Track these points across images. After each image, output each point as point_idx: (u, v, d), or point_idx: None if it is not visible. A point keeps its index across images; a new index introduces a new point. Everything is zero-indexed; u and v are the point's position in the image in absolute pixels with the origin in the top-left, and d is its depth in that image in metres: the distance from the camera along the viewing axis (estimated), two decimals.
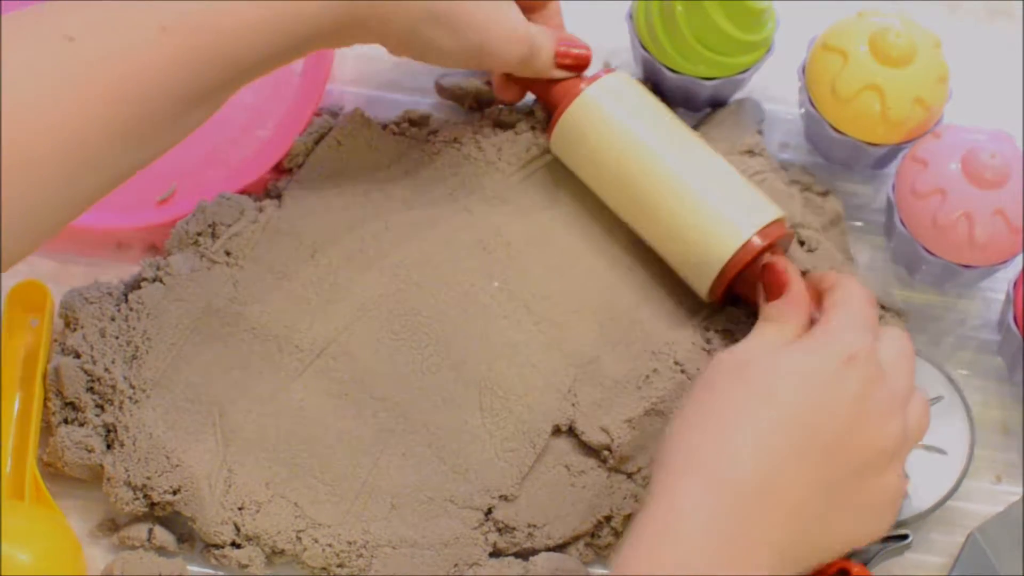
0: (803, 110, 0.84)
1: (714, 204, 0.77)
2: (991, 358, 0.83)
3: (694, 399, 0.69)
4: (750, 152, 0.84)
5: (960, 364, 0.83)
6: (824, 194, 0.85)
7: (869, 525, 0.69)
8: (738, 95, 0.87)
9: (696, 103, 0.86)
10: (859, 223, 0.86)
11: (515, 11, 0.78)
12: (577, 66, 0.81)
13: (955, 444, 0.79)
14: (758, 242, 0.76)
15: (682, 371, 0.78)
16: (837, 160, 0.85)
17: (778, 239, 0.77)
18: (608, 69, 0.82)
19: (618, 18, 0.85)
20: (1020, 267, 0.80)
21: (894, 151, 0.83)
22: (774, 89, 0.87)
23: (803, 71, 0.83)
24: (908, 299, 0.84)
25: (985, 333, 0.84)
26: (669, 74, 0.83)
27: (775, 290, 0.73)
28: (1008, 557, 0.76)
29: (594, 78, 0.81)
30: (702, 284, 0.78)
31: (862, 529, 0.69)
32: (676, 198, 0.78)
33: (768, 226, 0.77)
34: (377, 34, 0.73)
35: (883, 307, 0.82)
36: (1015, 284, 0.79)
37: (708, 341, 0.79)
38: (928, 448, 0.79)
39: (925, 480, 0.78)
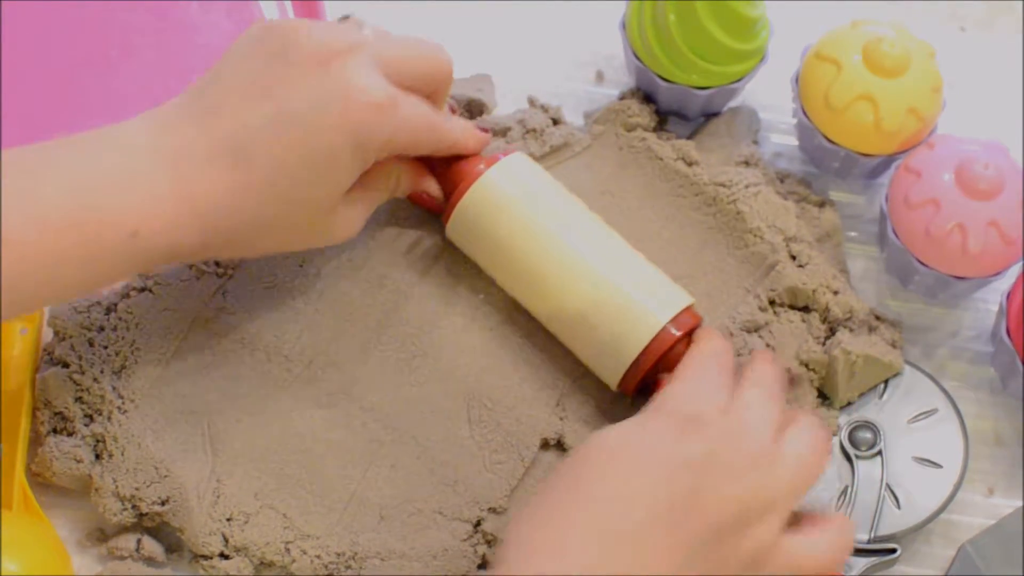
0: (796, 120, 0.84)
1: (625, 293, 0.74)
2: (984, 369, 0.83)
3: (544, 486, 0.67)
4: (746, 163, 0.84)
5: (953, 375, 0.82)
6: (821, 206, 0.84)
7: None
8: (732, 104, 0.86)
9: (689, 112, 0.86)
10: (853, 233, 0.85)
11: (327, 220, 0.73)
12: (429, 209, 0.79)
13: (949, 456, 0.79)
14: (674, 332, 0.74)
15: None
16: (830, 170, 0.85)
17: (692, 328, 0.75)
18: (506, 152, 0.78)
19: (612, 25, 0.85)
20: (1014, 278, 0.80)
21: (887, 161, 0.83)
22: (768, 98, 0.87)
23: (796, 80, 0.83)
24: (901, 310, 0.84)
25: (978, 344, 0.83)
26: (662, 83, 0.83)
27: None
28: (1000, 571, 0.76)
29: (493, 159, 0.77)
30: (612, 375, 0.75)
31: None
32: (585, 287, 0.75)
33: (681, 314, 0.75)
34: None
35: (876, 317, 0.81)
36: (1008, 295, 0.79)
37: None
38: (922, 461, 0.78)
39: (919, 493, 0.78)
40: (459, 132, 0.76)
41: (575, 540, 0.63)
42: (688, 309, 0.75)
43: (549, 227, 0.76)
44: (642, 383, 0.75)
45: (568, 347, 0.77)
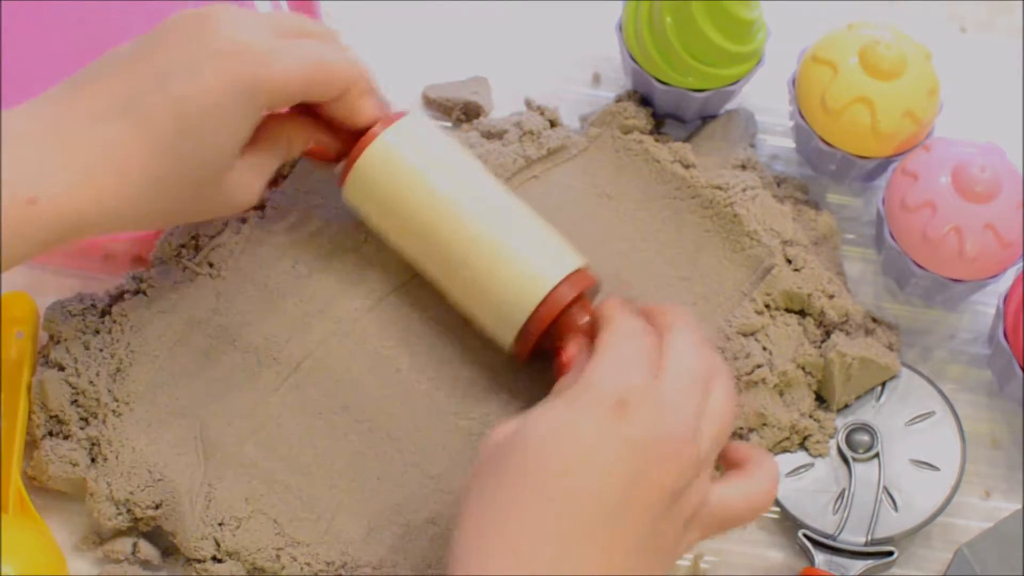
0: (793, 122, 0.84)
1: (517, 254, 0.74)
2: (981, 372, 0.82)
3: (468, 494, 0.65)
4: (742, 166, 0.83)
5: (950, 378, 0.82)
6: (817, 208, 0.84)
7: (688, 544, 0.66)
8: (729, 106, 0.86)
9: (686, 115, 0.86)
10: (849, 235, 0.85)
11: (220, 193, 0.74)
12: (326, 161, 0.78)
13: (946, 459, 0.79)
14: (565, 293, 0.73)
15: None
16: (827, 172, 0.85)
17: (586, 289, 0.74)
18: (401, 112, 0.77)
19: (609, 27, 0.85)
20: (1011, 281, 0.80)
21: (884, 164, 0.82)
22: (765, 100, 0.87)
23: (793, 83, 0.83)
24: (898, 312, 0.84)
25: (975, 347, 0.83)
26: (659, 86, 0.83)
27: (559, 375, 0.71)
28: (997, 573, 0.76)
29: (389, 120, 0.76)
30: (505, 337, 0.74)
31: (683, 549, 0.66)
32: (477, 250, 0.74)
33: (573, 275, 0.73)
34: None
35: (873, 320, 0.81)
36: (1005, 298, 0.79)
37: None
38: (919, 463, 0.78)
39: (916, 495, 0.78)
40: (354, 68, 0.74)
41: (528, 542, 0.62)
42: (582, 271, 0.74)
43: (443, 189, 0.75)
44: (538, 346, 0.74)
45: (462, 312, 0.76)
